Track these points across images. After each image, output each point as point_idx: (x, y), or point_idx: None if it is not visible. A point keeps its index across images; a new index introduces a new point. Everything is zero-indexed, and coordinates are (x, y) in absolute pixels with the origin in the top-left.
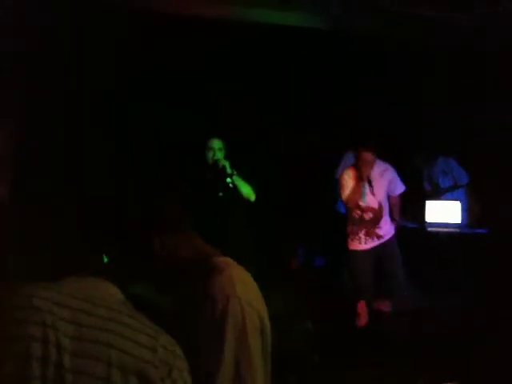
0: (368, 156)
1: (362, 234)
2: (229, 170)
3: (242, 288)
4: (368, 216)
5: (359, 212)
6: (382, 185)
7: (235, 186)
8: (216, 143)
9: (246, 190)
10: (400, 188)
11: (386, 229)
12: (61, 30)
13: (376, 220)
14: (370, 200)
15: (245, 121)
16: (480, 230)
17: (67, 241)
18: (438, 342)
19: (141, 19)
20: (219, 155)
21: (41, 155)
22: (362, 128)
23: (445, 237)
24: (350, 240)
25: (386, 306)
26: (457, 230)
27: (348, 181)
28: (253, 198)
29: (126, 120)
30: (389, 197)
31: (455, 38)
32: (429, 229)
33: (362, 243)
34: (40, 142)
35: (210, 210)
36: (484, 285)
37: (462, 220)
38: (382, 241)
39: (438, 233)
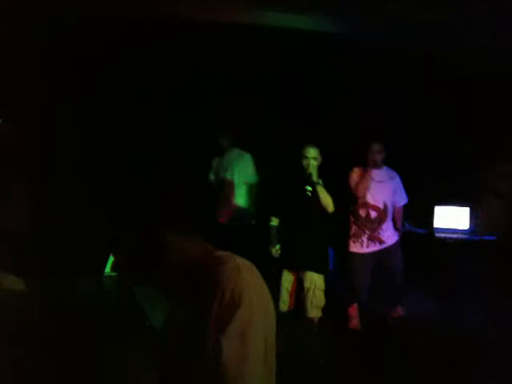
0: (376, 146)
1: (364, 238)
2: (314, 178)
3: (248, 276)
4: (374, 214)
5: (365, 210)
6: (389, 187)
7: (315, 194)
8: (311, 152)
9: (326, 201)
10: (404, 199)
11: (389, 234)
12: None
13: (380, 220)
14: (376, 198)
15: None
16: (488, 237)
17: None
18: (444, 349)
19: (160, 25)
20: (313, 163)
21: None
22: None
23: (452, 243)
24: (351, 242)
25: (399, 312)
26: (465, 236)
27: (355, 176)
28: (331, 208)
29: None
30: (393, 208)
31: (466, 43)
32: (437, 235)
33: (364, 247)
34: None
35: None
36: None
37: (470, 226)
38: (383, 246)
39: (445, 238)
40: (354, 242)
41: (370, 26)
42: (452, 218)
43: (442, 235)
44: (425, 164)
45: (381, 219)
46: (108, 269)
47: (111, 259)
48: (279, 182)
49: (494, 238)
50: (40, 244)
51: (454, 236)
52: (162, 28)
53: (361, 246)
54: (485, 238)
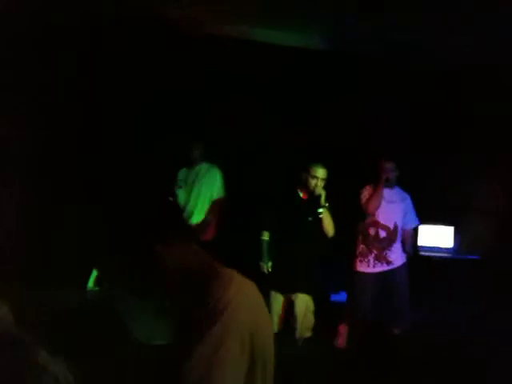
0: (389, 164)
1: (371, 258)
2: (322, 202)
3: (240, 287)
4: (383, 234)
5: (375, 229)
6: (400, 208)
7: (320, 217)
8: (321, 172)
9: (328, 226)
10: (414, 222)
11: (397, 255)
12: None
13: (389, 241)
14: (386, 217)
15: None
16: (471, 257)
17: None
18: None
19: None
20: (321, 184)
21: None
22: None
23: (437, 261)
24: (358, 261)
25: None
26: (449, 255)
27: (367, 194)
28: (331, 234)
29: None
30: (402, 230)
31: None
32: (421, 253)
33: (371, 266)
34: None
35: (295, 230)
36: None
37: (454, 245)
38: (390, 267)
39: (429, 257)
40: (360, 261)
41: (367, 32)
42: (436, 236)
43: (427, 254)
44: (411, 182)
45: (390, 240)
46: (91, 283)
47: (94, 274)
48: (275, 195)
49: (477, 257)
50: (29, 251)
51: (438, 255)
52: (153, 33)
53: (367, 266)
54: (468, 257)
